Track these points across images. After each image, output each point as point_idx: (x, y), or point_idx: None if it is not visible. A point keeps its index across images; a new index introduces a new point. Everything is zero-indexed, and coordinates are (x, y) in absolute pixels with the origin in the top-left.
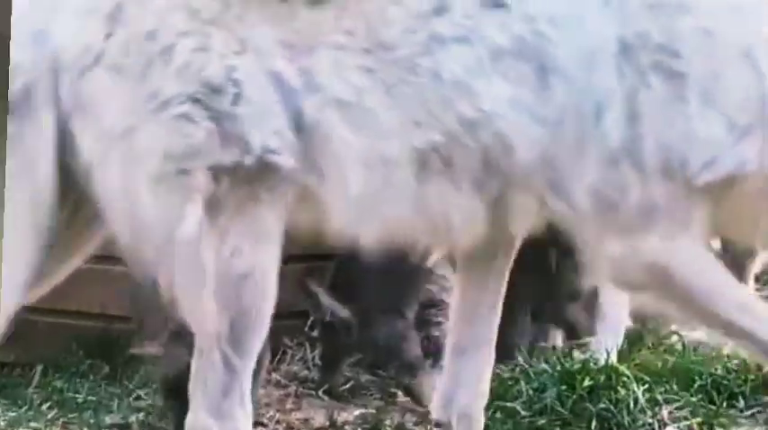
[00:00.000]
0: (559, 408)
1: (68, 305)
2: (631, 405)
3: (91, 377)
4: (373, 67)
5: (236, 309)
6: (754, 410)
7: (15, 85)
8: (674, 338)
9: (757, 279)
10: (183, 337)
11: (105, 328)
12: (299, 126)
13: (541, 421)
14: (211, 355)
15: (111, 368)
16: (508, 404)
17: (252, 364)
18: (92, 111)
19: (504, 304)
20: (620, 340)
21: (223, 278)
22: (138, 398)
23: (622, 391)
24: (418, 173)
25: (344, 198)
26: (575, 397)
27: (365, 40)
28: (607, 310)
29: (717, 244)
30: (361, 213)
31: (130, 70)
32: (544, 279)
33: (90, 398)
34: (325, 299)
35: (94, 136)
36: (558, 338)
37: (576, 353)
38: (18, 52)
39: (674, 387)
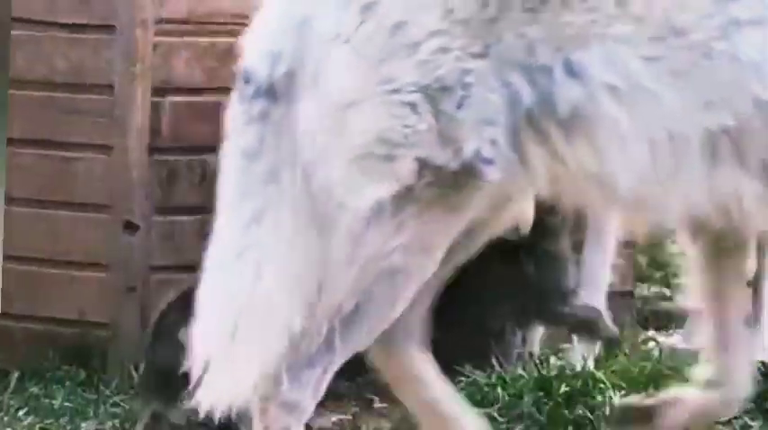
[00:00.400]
0: (536, 415)
1: (45, 311)
2: (608, 411)
3: (67, 383)
4: (660, 55)
5: (366, 299)
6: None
7: (278, 72)
8: (651, 344)
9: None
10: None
11: (82, 335)
12: (524, 132)
13: (518, 427)
14: (321, 327)
15: (87, 374)
16: (485, 410)
17: (346, 358)
18: (322, 83)
19: (486, 308)
20: (597, 346)
21: (373, 266)
22: (115, 404)
23: (599, 398)
24: (709, 155)
25: (627, 176)
26: (551, 403)
27: (656, 27)
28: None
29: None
30: (651, 193)
31: (372, 55)
32: (519, 281)
33: (66, 404)
34: None
35: (317, 105)
36: (535, 344)
37: (553, 360)
38: (281, 40)
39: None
